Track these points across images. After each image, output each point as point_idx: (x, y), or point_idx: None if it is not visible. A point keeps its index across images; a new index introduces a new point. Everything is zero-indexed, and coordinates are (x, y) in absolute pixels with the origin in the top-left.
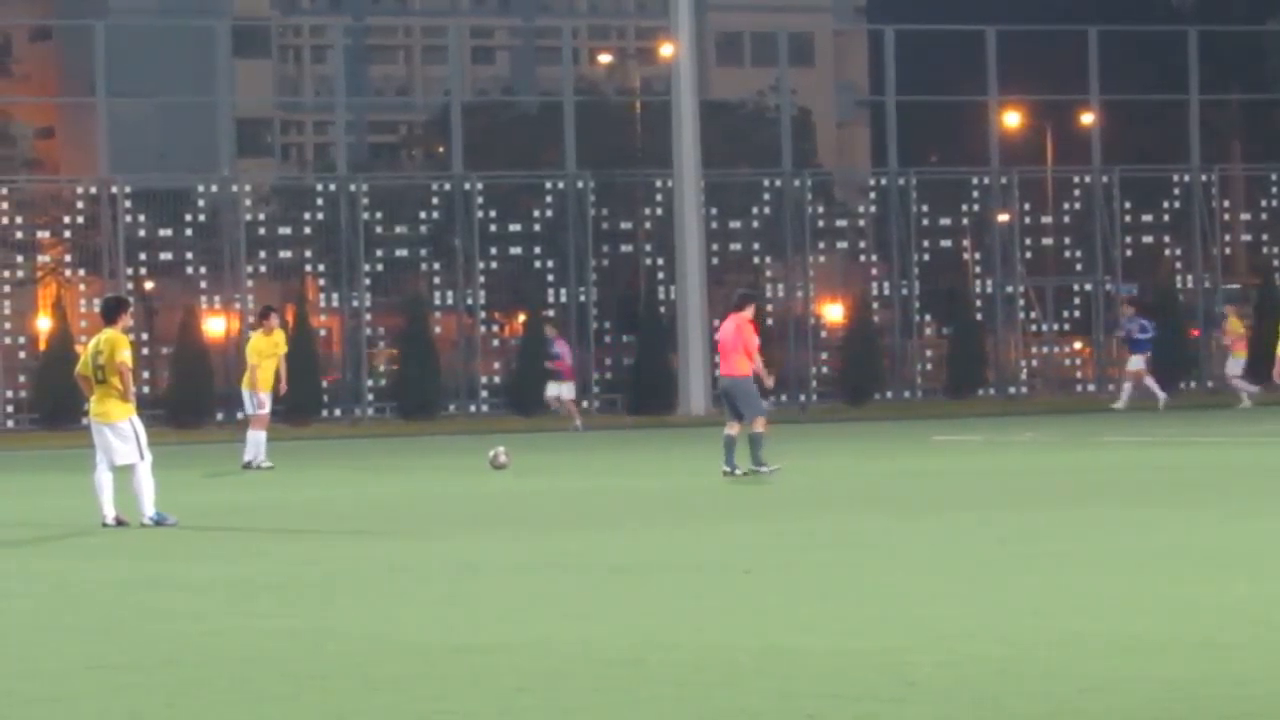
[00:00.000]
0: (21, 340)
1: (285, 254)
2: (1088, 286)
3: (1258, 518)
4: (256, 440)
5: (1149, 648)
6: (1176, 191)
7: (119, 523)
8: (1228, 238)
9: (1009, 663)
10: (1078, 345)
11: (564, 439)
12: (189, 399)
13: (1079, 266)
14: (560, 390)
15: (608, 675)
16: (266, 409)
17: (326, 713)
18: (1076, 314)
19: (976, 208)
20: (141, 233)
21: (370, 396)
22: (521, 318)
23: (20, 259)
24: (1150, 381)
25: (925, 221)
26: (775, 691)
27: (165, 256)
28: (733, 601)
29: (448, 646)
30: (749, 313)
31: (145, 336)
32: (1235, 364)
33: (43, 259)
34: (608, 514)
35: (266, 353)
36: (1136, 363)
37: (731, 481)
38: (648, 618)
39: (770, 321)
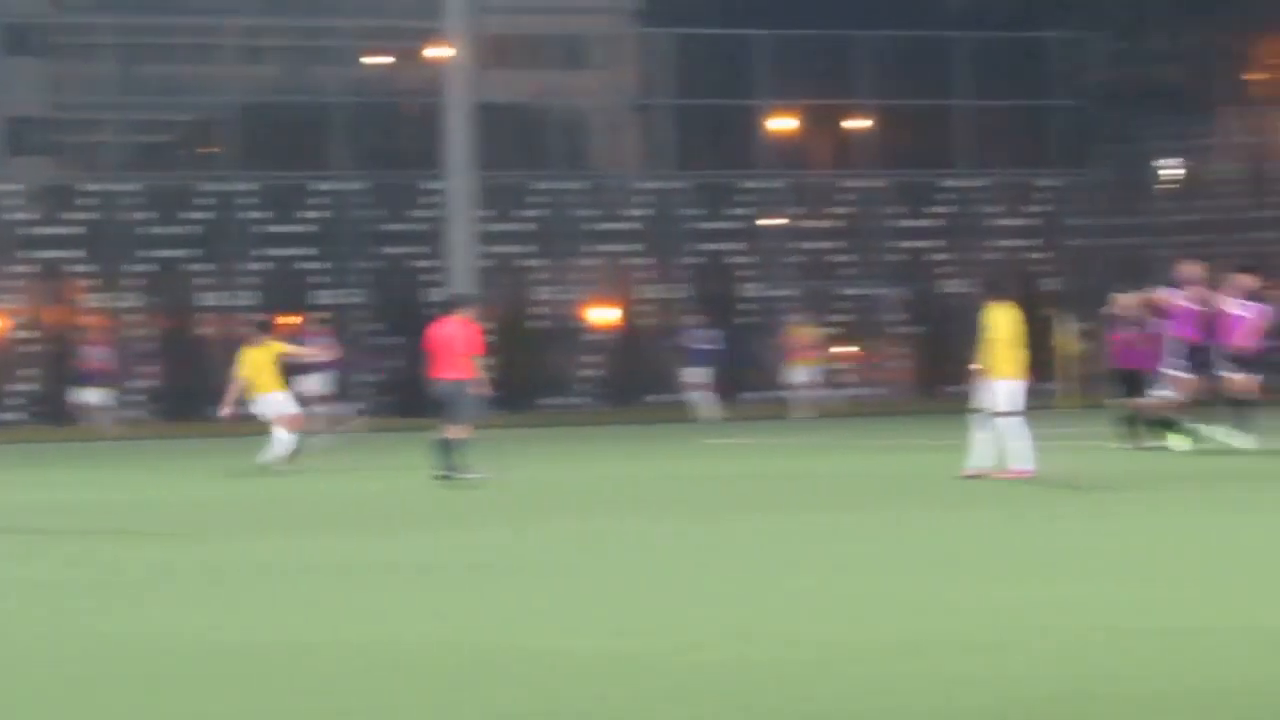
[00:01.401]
0: None
1: (52, 254)
2: (858, 291)
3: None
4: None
5: (905, 650)
6: (954, 197)
7: None
8: (1000, 243)
9: (784, 665)
10: (848, 349)
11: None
12: None
13: (851, 271)
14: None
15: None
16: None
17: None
18: (847, 318)
19: (749, 211)
20: None
21: (143, 399)
22: (293, 320)
23: None
24: (706, 395)
25: (697, 225)
26: (538, 693)
27: None
28: (481, 602)
29: (202, 645)
30: (471, 314)
31: None
32: (799, 372)
33: None
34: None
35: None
36: (696, 374)
37: (472, 486)
38: (394, 617)
39: (549, 324)
